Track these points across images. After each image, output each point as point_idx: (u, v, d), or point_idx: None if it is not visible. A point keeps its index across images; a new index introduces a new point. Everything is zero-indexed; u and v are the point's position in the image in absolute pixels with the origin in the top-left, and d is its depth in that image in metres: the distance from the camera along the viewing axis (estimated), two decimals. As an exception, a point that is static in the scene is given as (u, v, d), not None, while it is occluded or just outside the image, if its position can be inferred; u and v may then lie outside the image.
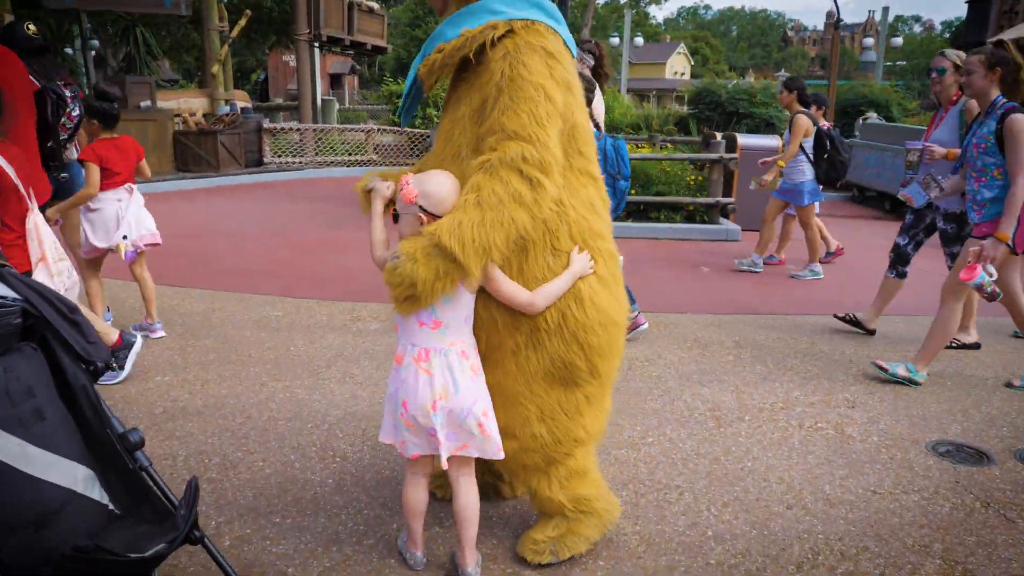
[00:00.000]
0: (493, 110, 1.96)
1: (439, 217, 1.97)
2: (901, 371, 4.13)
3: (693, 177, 8.89)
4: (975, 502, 2.90)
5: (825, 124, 6.55)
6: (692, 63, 64.89)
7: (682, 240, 8.32)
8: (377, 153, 13.38)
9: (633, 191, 8.64)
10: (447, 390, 2.03)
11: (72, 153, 4.56)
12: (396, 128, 13.51)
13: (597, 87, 4.97)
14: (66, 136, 4.38)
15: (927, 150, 4.41)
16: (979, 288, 3.70)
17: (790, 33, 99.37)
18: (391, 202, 2.23)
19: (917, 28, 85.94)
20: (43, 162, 3.78)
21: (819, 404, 3.83)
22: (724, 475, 3.05)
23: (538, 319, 2.08)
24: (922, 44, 67.62)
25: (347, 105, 27.96)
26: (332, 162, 13.14)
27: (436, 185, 2.01)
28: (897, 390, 4.04)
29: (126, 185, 4.29)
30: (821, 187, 6.53)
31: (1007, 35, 10.68)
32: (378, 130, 13.64)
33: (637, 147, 10.14)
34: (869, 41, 23.60)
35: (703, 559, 2.46)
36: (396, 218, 2.09)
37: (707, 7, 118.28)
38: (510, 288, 2.04)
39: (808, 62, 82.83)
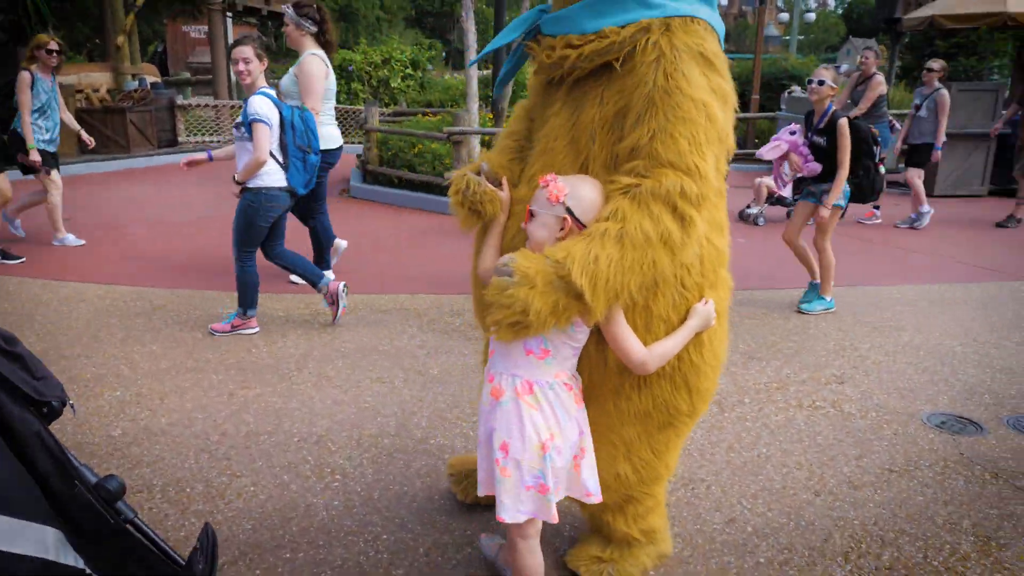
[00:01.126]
0: (639, 126, 1.66)
1: (584, 226, 1.70)
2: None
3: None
4: (984, 473, 2.92)
5: None
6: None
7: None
8: (299, 131, 12.71)
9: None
10: (559, 427, 1.78)
11: None
12: (318, 104, 12.83)
13: (327, 60, 4.76)
14: None
15: None
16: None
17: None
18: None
19: (812, 4, 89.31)
20: None
21: (810, 382, 3.80)
22: (743, 464, 2.95)
23: None
24: (818, 20, 70.33)
25: (255, 80, 26.52)
26: (251, 141, 12.37)
27: (588, 190, 1.73)
28: (879, 363, 4.07)
29: None
30: None
31: (921, 12, 11.08)
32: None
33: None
34: (785, 16, 24.27)
35: (752, 559, 2.35)
36: (531, 215, 1.78)
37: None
38: (628, 340, 1.78)
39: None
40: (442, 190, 8.30)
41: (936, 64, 7.82)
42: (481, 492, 1.88)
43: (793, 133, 4.94)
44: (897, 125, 8.14)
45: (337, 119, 14.06)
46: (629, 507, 2.08)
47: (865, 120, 7.62)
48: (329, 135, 4.92)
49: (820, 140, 4.70)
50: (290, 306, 4.78)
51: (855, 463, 2.99)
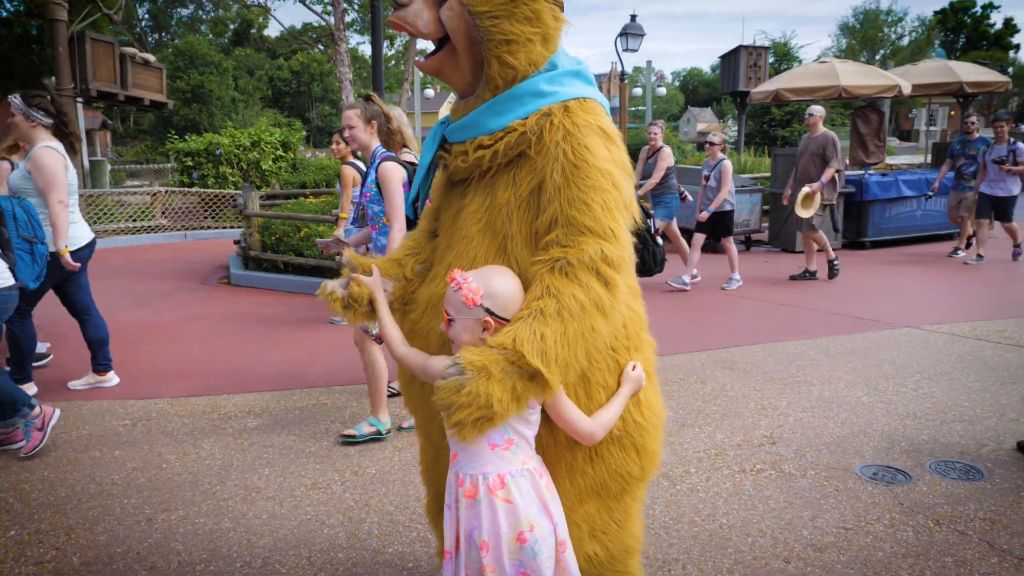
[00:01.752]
0: (554, 200, 1.72)
1: (507, 321, 1.67)
2: (367, 428, 3.93)
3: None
4: (927, 522, 3.07)
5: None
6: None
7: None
8: (167, 217, 12.03)
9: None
10: (536, 516, 1.71)
11: None
12: (186, 189, 12.25)
13: (65, 152, 4.52)
14: None
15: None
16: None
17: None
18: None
19: (653, 78, 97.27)
20: None
21: (745, 445, 3.90)
22: (709, 538, 2.95)
23: None
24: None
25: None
26: (114, 230, 11.55)
27: (502, 283, 1.70)
28: (801, 420, 4.25)
29: None
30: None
31: (766, 86, 12.23)
32: (166, 191, 12.27)
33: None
34: (638, 91, 26.23)
35: (752, 641, 2.31)
36: (449, 324, 1.73)
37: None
38: (573, 414, 1.76)
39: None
40: (333, 274, 8.06)
41: (716, 138, 8.40)
42: None
43: None
44: (690, 197, 8.68)
45: (208, 203, 13.45)
46: None
47: (657, 189, 8.26)
48: (76, 233, 4.52)
49: None
50: (196, 410, 4.37)
51: (811, 524, 3.06)
